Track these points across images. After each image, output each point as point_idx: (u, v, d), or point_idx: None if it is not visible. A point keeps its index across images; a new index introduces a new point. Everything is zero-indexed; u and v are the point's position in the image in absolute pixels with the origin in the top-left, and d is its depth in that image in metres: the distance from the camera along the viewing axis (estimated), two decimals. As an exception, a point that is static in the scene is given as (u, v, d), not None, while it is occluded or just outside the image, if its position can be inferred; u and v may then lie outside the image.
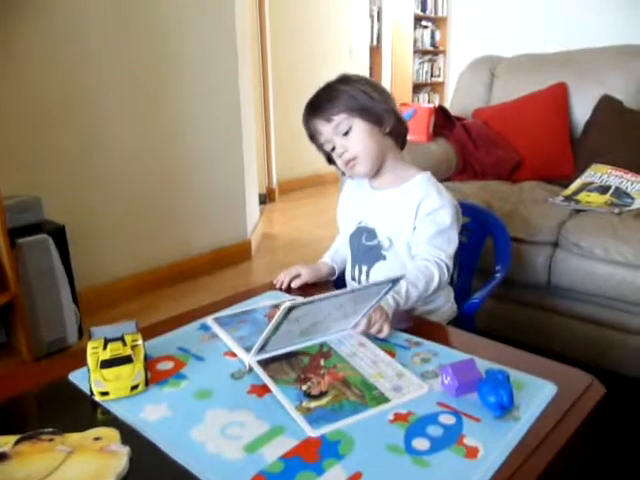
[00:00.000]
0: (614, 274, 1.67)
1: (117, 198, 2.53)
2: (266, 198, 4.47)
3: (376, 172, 1.25)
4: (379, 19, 5.84)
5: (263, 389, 0.86)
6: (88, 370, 0.86)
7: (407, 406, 0.81)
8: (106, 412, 0.82)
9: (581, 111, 2.37)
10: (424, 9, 6.56)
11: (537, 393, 0.84)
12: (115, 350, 0.89)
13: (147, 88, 2.56)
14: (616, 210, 1.84)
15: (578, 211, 1.90)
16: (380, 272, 1.24)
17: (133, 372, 0.86)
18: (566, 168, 2.30)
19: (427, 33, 6.68)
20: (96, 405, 0.84)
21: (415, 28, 6.47)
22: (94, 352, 0.88)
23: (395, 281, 0.99)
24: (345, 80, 1.22)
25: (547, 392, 0.84)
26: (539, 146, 2.37)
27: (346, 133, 1.19)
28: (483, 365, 0.88)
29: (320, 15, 4.85)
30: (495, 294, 1.31)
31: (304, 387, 0.86)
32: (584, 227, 1.75)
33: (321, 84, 1.23)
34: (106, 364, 0.86)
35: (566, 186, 2.12)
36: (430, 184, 1.21)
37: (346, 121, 1.18)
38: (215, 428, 0.77)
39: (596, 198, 1.96)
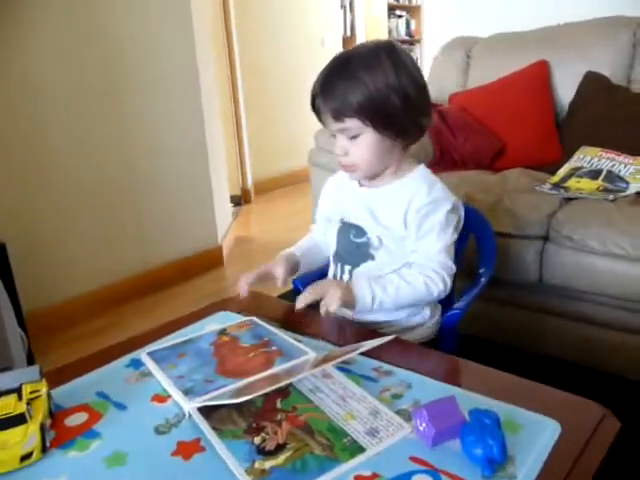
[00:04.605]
0: (612, 268, 1.57)
1: (68, 207, 2.35)
2: (241, 199, 4.32)
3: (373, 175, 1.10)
4: (352, 10, 5.71)
5: (192, 447, 0.69)
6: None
7: (370, 464, 0.64)
8: (-15, 493, 0.64)
9: (565, 90, 2.29)
10: (398, -2, 6.43)
11: (536, 437, 0.67)
12: (5, 408, 0.71)
13: (99, 86, 2.39)
14: (610, 196, 1.75)
15: (568, 199, 1.81)
16: (368, 274, 1.08)
17: (25, 436, 0.69)
18: (552, 152, 2.22)
19: (402, 23, 6.56)
20: (-25, 484, 0.66)
21: (389, 18, 6.35)
22: (-22, 411, 0.71)
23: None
24: (371, 63, 0.97)
25: (549, 435, 0.68)
26: (522, 130, 2.29)
27: (354, 137, 1.01)
28: (467, 399, 0.72)
29: (289, 4, 4.70)
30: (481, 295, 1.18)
31: (257, 440, 0.69)
32: (576, 217, 1.66)
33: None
34: (-10, 427, 0.69)
35: (553, 172, 2.02)
36: (422, 180, 1.06)
37: (357, 128, 0.99)
38: (123, 511, 0.60)
39: (587, 184, 1.87)
